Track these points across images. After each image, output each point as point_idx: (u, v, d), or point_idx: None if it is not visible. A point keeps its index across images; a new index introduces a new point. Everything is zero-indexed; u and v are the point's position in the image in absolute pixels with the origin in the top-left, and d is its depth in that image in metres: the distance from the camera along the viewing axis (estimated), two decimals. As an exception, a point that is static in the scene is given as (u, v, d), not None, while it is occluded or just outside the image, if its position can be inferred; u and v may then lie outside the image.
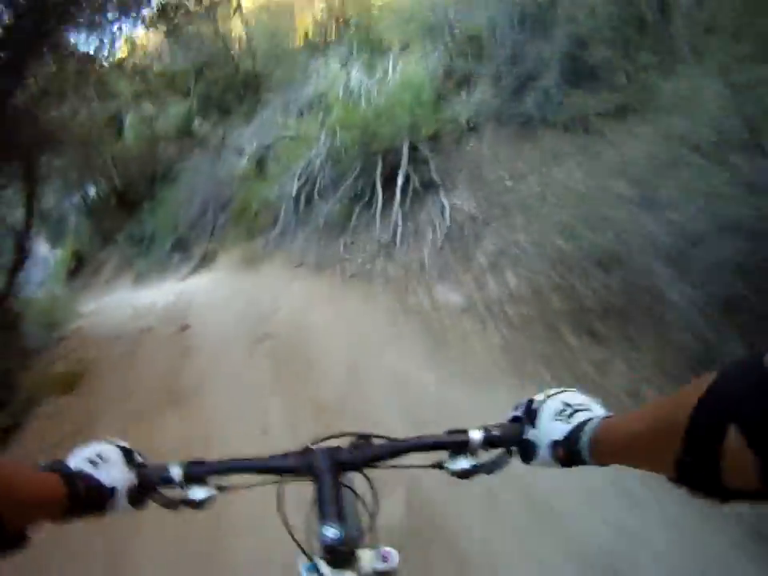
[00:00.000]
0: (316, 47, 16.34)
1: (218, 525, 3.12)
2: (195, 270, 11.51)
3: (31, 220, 9.00)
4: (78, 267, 19.35)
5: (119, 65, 15.84)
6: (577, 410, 0.85)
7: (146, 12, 10.56)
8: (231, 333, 6.57)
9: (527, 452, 0.91)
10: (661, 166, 4.23)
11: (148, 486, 0.95)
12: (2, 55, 6.98)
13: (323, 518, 0.92)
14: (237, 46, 17.54)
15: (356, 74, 10.58)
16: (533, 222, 5.36)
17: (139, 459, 0.98)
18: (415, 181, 7.02)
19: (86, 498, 0.83)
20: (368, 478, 1.04)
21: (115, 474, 0.89)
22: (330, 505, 0.93)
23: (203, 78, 17.32)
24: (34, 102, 8.45)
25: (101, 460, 0.90)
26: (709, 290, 3.29)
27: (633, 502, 2.74)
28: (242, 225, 10.87)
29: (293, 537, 1.01)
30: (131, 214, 16.49)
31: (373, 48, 11.87)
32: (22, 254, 8.70)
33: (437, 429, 1.02)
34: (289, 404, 4.54)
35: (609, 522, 2.66)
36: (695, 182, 3.63)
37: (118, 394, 5.80)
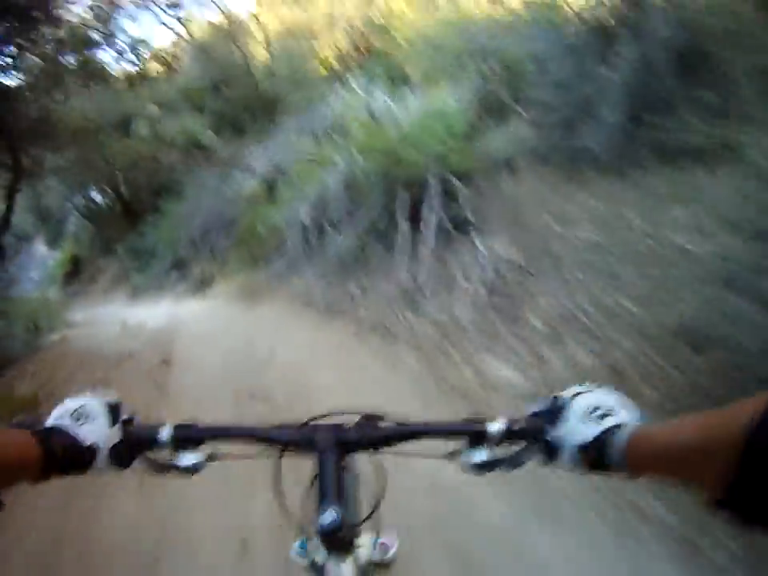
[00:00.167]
0: (336, 75, 15.79)
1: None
2: (192, 293, 10.45)
3: (10, 215, 8.36)
4: (76, 272, 18.87)
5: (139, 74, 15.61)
6: (608, 414, 0.76)
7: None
8: (217, 380, 5.34)
9: (549, 452, 0.82)
10: (746, 222, 3.37)
11: (134, 446, 0.87)
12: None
13: (322, 499, 0.83)
14: (257, 67, 16.95)
15: (379, 99, 9.54)
16: (593, 279, 4.28)
17: (126, 416, 0.89)
18: (444, 219, 5.93)
19: (63, 457, 0.76)
20: (374, 462, 0.95)
21: (97, 431, 0.82)
22: (331, 486, 0.84)
23: (220, 94, 16.62)
24: (29, 88, 7.52)
25: (84, 415, 0.82)
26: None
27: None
28: (246, 249, 9.78)
29: (288, 515, 0.95)
30: (134, 225, 15.72)
31: (397, 76, 10.98)
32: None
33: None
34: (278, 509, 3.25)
35: None
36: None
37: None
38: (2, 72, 6.85)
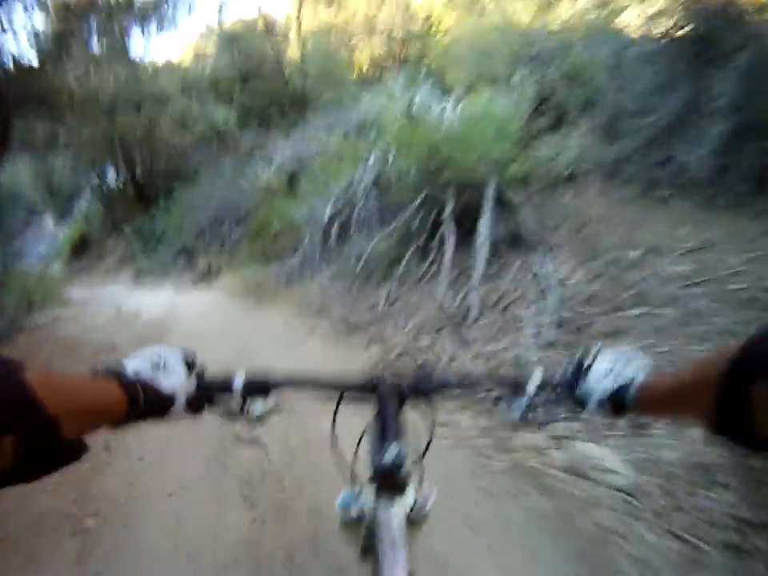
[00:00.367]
0: (369, 79, 15.44)
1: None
2: (195, 283, 9.47)
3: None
4: (83, 249, 18.19)
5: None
6: (624, 368, 0.84)
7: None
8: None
9: (575, 401, 0.89)
10: None
11: (208, 395, 0.87)
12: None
13: (385, 439, 0.86)
14: (289, 64, 16.30)
15: (420, 101, 8.57)
16: (690, 323, 3.28)
17: (201, 366, 0.90)
18: (495, 231, 4.93)
19: (145, 404, 0.76)
20: (423, 408, 0.96)
21: (175, 379, 0.83)
22: (393, 427, 0.88)
23: (248, 87, 15.86)
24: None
25: (162, 364, 0.84)
26: None
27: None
28: (258, 244, 8.77)
29: (341, 461, 0.98)
30: (146, 208, 14.94)
31: (437, 80, 10.04)
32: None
33: None
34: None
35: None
36: None
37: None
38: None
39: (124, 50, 14.81)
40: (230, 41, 16.56)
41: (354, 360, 4.31)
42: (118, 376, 0.76)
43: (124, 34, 13.10)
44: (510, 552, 2.06)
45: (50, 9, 9.42)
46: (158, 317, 7.57)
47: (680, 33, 5.16)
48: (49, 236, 20.04)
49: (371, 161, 7.15)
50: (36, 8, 7.12)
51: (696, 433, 2.42)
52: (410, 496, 0.92)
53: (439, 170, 5.61)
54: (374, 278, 5.70)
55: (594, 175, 5.41)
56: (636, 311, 3.54)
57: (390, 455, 0.82)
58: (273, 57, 15.92)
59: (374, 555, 0.87)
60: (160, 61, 15.53)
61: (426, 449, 0.98)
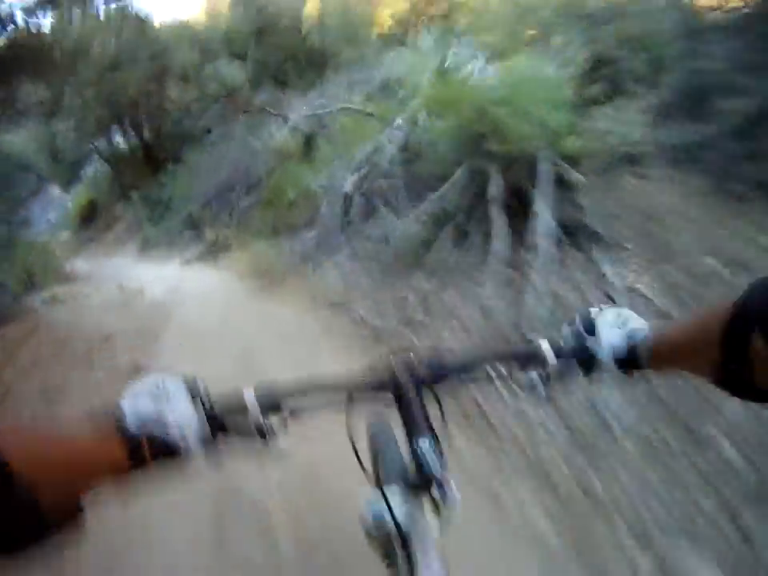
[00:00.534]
0: (393, 36, 14.14)
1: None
2: (201, 257, 8.52)
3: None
4: (91, 217, 17.70)
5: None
6: (628, 319, 0.83)
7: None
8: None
9: (589, 363, 0.86)
10: None
11: (217, 416, 0.76)
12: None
13: (414, 433, 0.79)
14: (307, 18, 15.19)
15: (453, 58, 7.46)
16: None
17: (203, 389, 0.77)
18: (552, 218, 3.90)
19: (150, 448, 0.65)
20: (436, 394, 0.87)
21: (181, 411, 0.71)
22: (419, 420, 0.80)
23: (263, 42, 14.69)
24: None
25: (163, 395, 0.71)
26: None
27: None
28: (270, 215, 7.74)
29: (363, 466, 0.92)
30: (155, 172, 14.13)
31: (471, 37, 8.90)
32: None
33: None
34: None
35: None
36: None
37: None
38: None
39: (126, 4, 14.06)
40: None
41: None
42: (114, 419, 0.65)
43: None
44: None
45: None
46: (159, 299, 6.80)
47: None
48: (56, 204, 19.48)
49: (398, 123, 6.11)
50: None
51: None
52: (439, 489, 0.78)
53: (481, 138, 4.57)
54: (401, 263, 4.65)
55: (658, 159, 4.35)
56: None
57: (423, 451, 0.75)
58: (289, 11, 14.87)
59: (408, 557, 0.82)
60: (169, 17, 14.58)
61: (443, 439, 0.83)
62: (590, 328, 0.85)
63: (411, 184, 5.35)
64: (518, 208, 4.23)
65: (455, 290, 3.99)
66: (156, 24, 15.25)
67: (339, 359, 3.71)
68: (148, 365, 4.25)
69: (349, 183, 5.77)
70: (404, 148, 5.77)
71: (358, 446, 0.89)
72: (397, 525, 0.83)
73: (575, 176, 4.25)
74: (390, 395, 0.85)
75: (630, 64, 5.78)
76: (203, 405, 0.75)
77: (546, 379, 0.86)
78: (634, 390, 2.48)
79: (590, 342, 0.84)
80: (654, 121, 4.94)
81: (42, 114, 13.56)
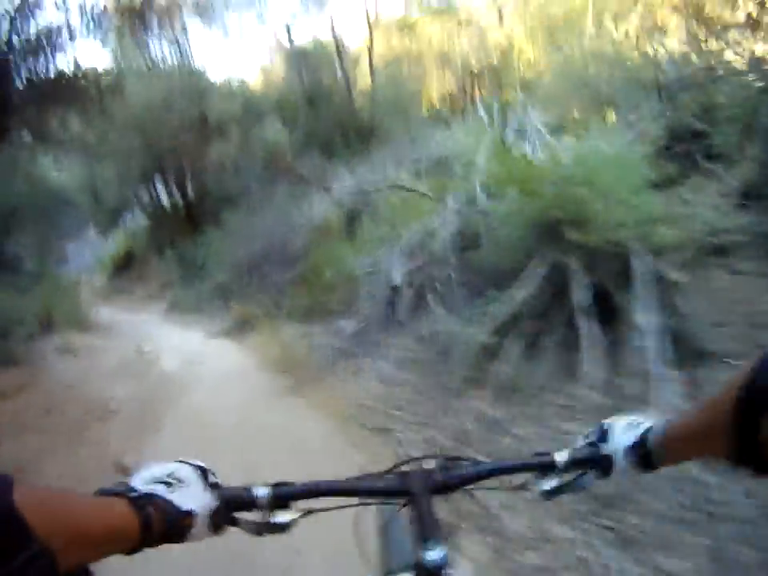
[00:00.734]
0: (441, 116, 14.36)
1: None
2: (227, 332, 7.78)
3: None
4: (126, 267, 17.50)
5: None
6: (641, 422, 0.83)
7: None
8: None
9: (605, 467, 0.85)
10: None
11: (228, 508, 0.76)
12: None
13: (425, 540, 0.78)
14: (358, 91, 15.33)
15: (515, 132, 6.80)
16: None
17: (215, 480, 0.77)
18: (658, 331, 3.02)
19: (160, 526, 0.64)
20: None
21: (193, 496, 0.70)
22: (431, 524, 0.80)
23: (314, 111, 14.48)
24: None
25: (175, 481, 0.70)
26: None
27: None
28: (305, 295, 6.94)
29: (367, 559, 0.96)
30: (193, 232, 13.73)
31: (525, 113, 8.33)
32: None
33: None
34: None
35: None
36: None
37: None
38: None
39: (184, 59, 14.04)
40: (300, 59, 15.21)
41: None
42: (127, 495, 0.63)
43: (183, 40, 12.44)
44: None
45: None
46: (174, 373, 6.19)
47: None
48: (94, 247, 19.35)
49: (452, 205, 5.37)
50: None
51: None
52: None
53: (556, 225, 3.78)
54: (458, 376, 3.72)
55: (747, 249, 3.55)
56: None
57: (434, 556, 0.75)
58: (342, 82, 14.75)
59: None
60: (223, 77, 14.47)
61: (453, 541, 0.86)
62: (604, 437, 0.86)
63: (468, 276, 4.53)
64: (607, 315, 3.39)
65: (530, 421, 3.09)
66: (209, 79, 15.23)
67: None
68: (137, 467, 3.35)
69: (397, 273, 4.94)
70: (459, 233, 5.00)
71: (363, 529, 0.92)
72: None
73: (675, 274, 3.41)
74: (402, 499, 0.84)
75: (707, 138, 5.13)
76: (214, 496, 0.74)
77: (561, 487, 0.86)
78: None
79: (603, 448, 0.85)
80: (738, 204, 4.18)
81: (85, 154, 13.47)
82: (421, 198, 6.41)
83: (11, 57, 5.99)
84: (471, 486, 0.88)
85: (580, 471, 0.87)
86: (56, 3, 7.84)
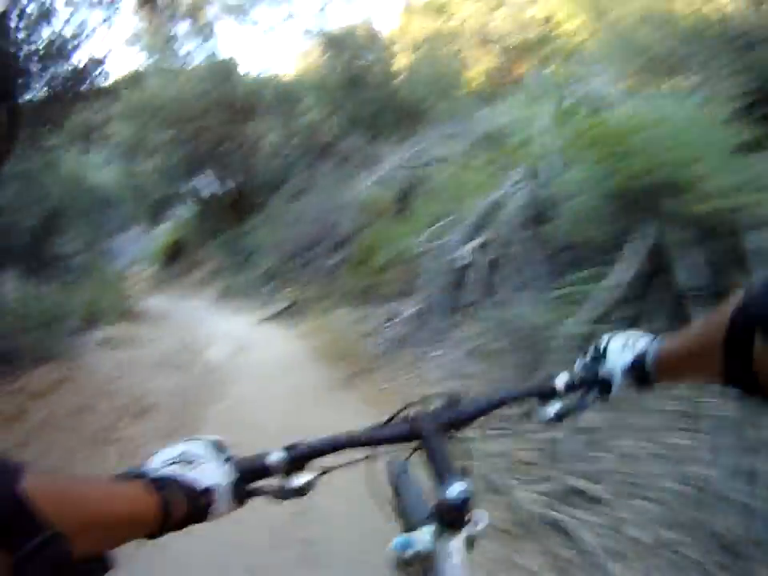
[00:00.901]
0: (485, 92, 13.30)
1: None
2: (277, 318, 7.40)
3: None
4: (176, 257, 17.33)
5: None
6: (638, 339, 0.83)
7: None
8: None
9: (604, 387, 0.86)
10: None
11: (247, 478, 0.74)
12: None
13: (446, 477, 0.76)
14: (398, 73, 14.70)
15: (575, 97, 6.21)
16: None
17: (229, 452, 0.75)
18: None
19: (181, 504, 0.62)
20: (458, 437, 0.87)
21: (211, 472, 0.68)
22: (447, 463, 0.78)
23: (355, 94, 13.95)
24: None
25: (191, 458, 0.68)
26: None
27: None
28: (358, 278, 6.49)
29: (392, 508, 0.97)
30: (241, 220, 13.40)
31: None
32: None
33: None
34: None
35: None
36: None
37: None
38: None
39: (214, 52, 13.81)
40: (335, 46, 14.70)
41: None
42: (144, 478, 0.62)
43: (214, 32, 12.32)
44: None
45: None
46: (219, 366, 5.83)
47: None
48: (143, 239, 19.40)
49: (516, 176, 4.86)
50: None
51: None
52: (470, 527, 0.78)
53: (650, 193, 3.23)
54: (541, 371, 3.18)
55: None
56: None
57: (454, 492, 0.72)
58: (380, 65, 14.29)
59: None
60: (260, 63, 14.32)
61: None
62: (602, 355, 0.86)
63: (541, 254, 4.01)
64: (718, 299, 2.80)
65: (634, 434, 2.53)
66: (245, 68, 15.00)
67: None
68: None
69: (463, 251, 4.41)
70: (528, 206, 4.47)
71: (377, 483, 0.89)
72: (422, 557, 0.83)
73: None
74: (413, 444, 0.84)
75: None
76: (231, 468, 0.72)
77: (564, 411, 0.86)
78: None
79: (601, 367, 0.85)
80: None
81: (127, 151, 13.43)
82: (478, 171, 5.89)
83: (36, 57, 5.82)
84: (478, 420, 0.87)
85: (581, 392, 0.88)
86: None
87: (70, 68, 5.91)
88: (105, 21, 6.11)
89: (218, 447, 0.73)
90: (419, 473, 0.88)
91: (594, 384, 0.86)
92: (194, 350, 6.50)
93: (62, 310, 8.00)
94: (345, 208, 8.16)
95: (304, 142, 13.05)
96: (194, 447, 0.70)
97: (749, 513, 1.85)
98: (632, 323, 3.01)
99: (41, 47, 5.53)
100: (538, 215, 4.33)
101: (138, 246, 19.88)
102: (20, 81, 5.49)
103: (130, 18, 16.71)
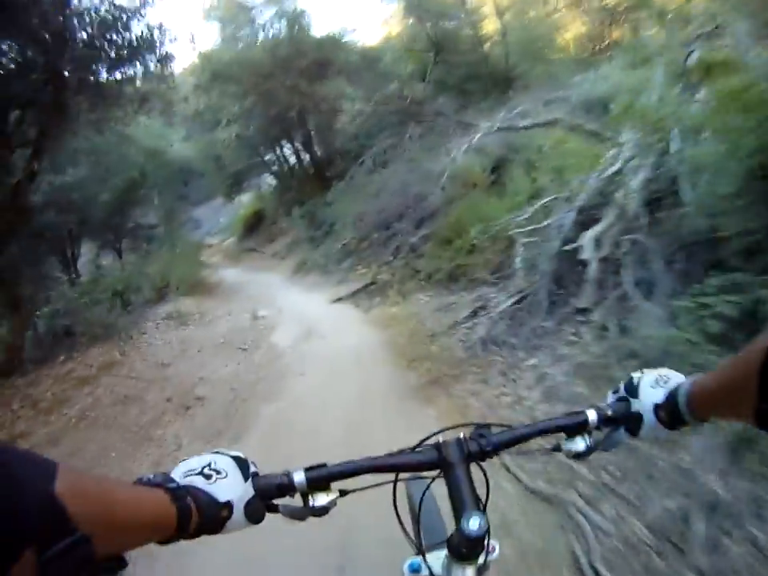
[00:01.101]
0: (582, 57, 12.85)
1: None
2: (354, 298, 6.94)
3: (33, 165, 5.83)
4: (255, 227, 17.31)
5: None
6: (670, 378, 0.79)
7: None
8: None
9: (634, 425, 0.81)
10: None
11: (266, 496, 0.75)
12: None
13: (463, 509, 0.74)
14: (488, 37, 13.87)
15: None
16: None
17: (254, 469, 0.76)
18: None
19: (197, 517, 0.63)
20: (483, 469, 0.85)
21: (231, 487, 0.69)
22: (470, 496, 0.76)
23: (443, 61, 13.41)
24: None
25: (213, 472, 0.69)
26: None
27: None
28: (445, 257, 5.86)
29: (406, 534, 0.91)
30: (322, 191, 12.94)
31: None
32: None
33: None
34: None
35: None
36: None
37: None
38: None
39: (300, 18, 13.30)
40: (422, 9, 13.88)
41: None
42: (166, 486, 0.63)
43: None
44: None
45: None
46: (285, 347, 5.45)
47: None
48: (223, 211, 19.50)
49: (631, 148, 4.14)
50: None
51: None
52: (484, 557, 0.76)
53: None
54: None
55: None
56: None
57: (473, 526, 0.69)
58: (468, 29, 13.49)
59: None
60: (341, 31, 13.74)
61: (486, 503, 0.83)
62: (633, 391, 0.82)
63: (670, 248, 3.28)
64: None
65: None
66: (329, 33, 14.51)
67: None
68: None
69: (588, 240, 3.67)
70: (648, 185, 3.75)
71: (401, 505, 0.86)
72: None
73: None
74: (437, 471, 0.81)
75: None
76: (250, 485, 0.72)
77: (593, 446, 0.83)
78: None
79: (633, 404, 0.81)
80: None
81: (207, 123, 13.30)
82: (584, 141, 5.16)
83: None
84: (504, 452, 0.83)
85: (610, 429, 0.84)
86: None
87: (131, 36, 5.78)
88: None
89: (241, 463, 0.73)
90: (439, 494, 0.83)
91: (625, 420, 0.82)
92: (259, 330, 6.17)
93: (134, 281, 7.90)
94: (431, 179, 7.51)
95: (389, 109, 12.43)
96: (218, 460, 0.71)
97: None
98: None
99: (101, 16, 5.38)
100: (661, 198, 3.61)
101: (219, 217, 20.04)
102: (76, 52, 5.34)
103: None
